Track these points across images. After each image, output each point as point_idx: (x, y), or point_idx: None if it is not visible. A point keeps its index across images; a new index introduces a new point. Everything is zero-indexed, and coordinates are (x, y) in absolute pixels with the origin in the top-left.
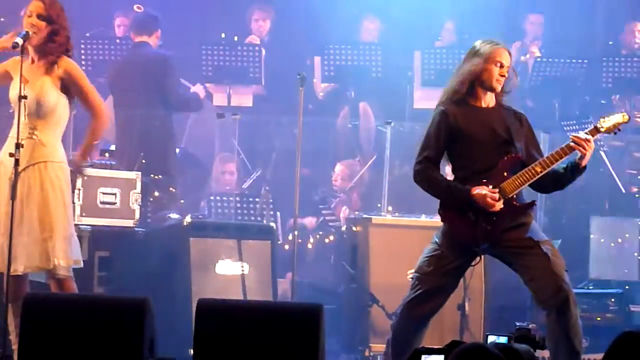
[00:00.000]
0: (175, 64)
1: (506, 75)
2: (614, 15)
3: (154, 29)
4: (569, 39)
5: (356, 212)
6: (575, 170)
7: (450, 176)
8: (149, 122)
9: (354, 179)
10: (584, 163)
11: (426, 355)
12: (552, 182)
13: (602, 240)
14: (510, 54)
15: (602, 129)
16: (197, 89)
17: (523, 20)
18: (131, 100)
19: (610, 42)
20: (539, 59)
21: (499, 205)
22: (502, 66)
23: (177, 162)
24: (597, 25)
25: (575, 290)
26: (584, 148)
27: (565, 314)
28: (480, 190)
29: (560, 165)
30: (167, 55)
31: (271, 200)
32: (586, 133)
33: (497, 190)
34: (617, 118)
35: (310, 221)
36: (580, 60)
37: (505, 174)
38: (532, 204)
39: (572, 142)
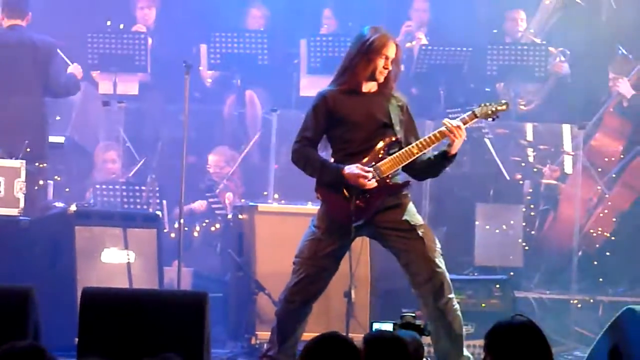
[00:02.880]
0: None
1: (390, 67)
2: (497, 3)
3: (27, 12)
4: (454, 27)
5: (242, 200)
6: (444, 157)
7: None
8: (25, 108)
9: (232, 166)
10: (452, 151)
11: None
12: (423, 169)
13: (487, 227)
14: (397, 45)
15: (478, 115)
16: (75, 69)
17: (408, 7)
18: (6, 85)
19: (495, 30)
20: (424, 47)
21: (372, 183)
22: (387, 58)
23: (56, 149)
24: (480, 13)
25: (460, 277)
26: (454, 135)
27: (441, 299)
28: (352, 169)
29: (432, 152)
30: (53, 41)
31: (157, 189)
32: (461, 119)
33: (370, 168)
34: (496, 105)
35: (200, 204)
36: (465, 48)
37: (381, 154)
38: (407, 183)
39: (444, 127)
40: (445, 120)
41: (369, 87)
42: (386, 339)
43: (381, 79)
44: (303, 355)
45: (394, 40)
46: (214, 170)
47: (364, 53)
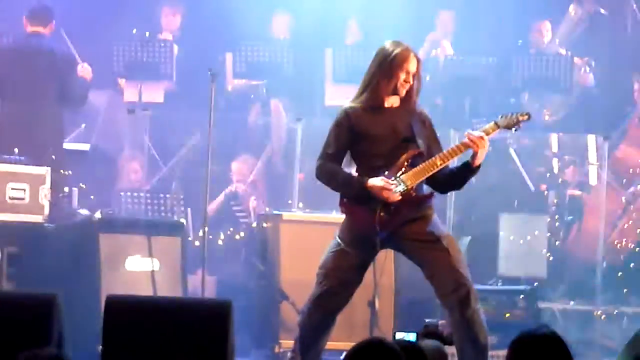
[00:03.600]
0: (83, 60)
1: (411, 81)
2: (522, 14)
3: (50, 20)
4: (479, 37)
5: (267, 209)
6: (468, 169)
7: None
8: (42, 115)
9: (256, 174)
10: (476, 162)
11: None
12: (447, 181)
13: (511, 237)
14: (418, 59)
15: (500, 125)
16: (83, 71)
17: (433, 17)
18: (23, 92)
19: (520, 41)
20: (449, 57)
21: (396, 195)
22: (408, 72)
23: (81, 157)
24: (506, 24)
25: (484, 287)
26: (476, 146)
27: (467, 309)
28: (376, 181)
29: (456, 164)
30: (73, 54)
31: (182, 196)
32: (483, 130)
33: (394, 181)
34: (518, 115)
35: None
36: (490, 59)
37: (405, 167)
38: (431, 195)
39: (467, 139)
40: (468, 132)
41: (391, 102)
42: (406, 348)
43: (403, 93)
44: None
45: (415, 54)
46: (237, 178)
47: (386, 68)
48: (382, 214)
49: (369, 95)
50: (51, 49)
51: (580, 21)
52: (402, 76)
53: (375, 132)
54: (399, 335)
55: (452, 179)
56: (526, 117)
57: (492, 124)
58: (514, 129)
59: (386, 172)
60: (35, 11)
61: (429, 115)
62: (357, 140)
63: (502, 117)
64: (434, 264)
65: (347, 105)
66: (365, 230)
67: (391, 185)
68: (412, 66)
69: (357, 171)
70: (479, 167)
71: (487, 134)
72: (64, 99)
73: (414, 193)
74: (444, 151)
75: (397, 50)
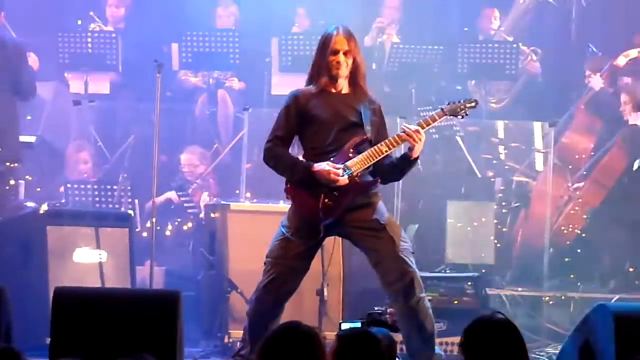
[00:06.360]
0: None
1: (341, 61)
2: (470, 1)
3: None
4: (425, 25)
5: (215, 199)
6: (406, 161)
7: None
8: None
9: (205, 164)
10: (414, 154)
11: None
12: (387, 172)
13: (459, 224)
14: (348, 39)
15: (447, 112)
16: (32, 60)
17: (380, 5)
18: None
19: (466, 28)
20: (395, 45)
21: (342, 180)
22: (335, 52)
23: (27, 149)
24: (453, 11)
25: (432, 275)
26: (413, 140)
27: (412, 297)
28: (322, 166)
29: (395, 155)
30: (24, 42)
31: (129, 188)
32: (430, 117)
33: (340, 166)
34: (465, 102)
35: (172, 194)
36: (436, 47)
37: (351, 153)
38: (376, 181)
39: (402, 132)
40: (404, 125)
41: (340, 86)
42: (358, 335)
43: (339, 74)
44: (262, 345)
45: (344, 34)
46: (188, 169)
47: (320, 51)
48: (326, 200)
49: (314, 80)
50: (2, 40)
51: (528, 10)
52: (333, 57)
53: (322, 117)
54: (345, 326)
55: (392, 170)
56: (473, 103)
57: (438, 111)
58: (460, 115)
59: (332, 158)
60: None
61: (379, 101)
62: (305, 124)
63: (449, 104)
64: (378, 251)
65: (296, 89)
66: (310, 217)
67: (337, 170)
68: (339, 45)
69: (303, 156)
70: (417, 159)
71: (434, 120)
72: (15, 90)
73: (359, 180)
74: (389, 138)
75: (327, 32)
